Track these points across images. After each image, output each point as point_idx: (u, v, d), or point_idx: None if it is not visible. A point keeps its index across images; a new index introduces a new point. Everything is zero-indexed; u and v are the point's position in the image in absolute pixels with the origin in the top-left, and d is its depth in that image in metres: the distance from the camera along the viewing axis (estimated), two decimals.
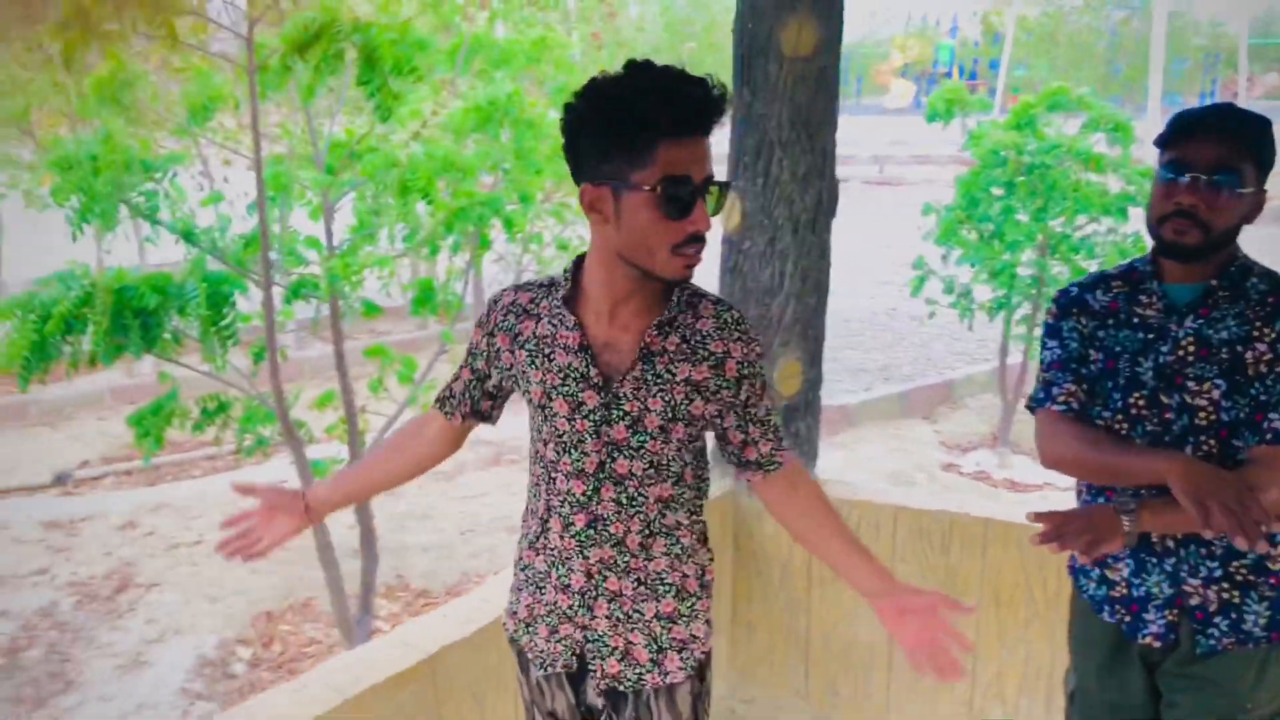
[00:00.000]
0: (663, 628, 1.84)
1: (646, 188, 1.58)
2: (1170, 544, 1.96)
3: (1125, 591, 2.03)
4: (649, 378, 1.73)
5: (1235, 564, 1.94)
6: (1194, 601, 1.95)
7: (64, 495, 6.72)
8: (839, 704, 3.32)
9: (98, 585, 5.36)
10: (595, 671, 1.85)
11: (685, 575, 1.86)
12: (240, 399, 4.26)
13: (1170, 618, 1.98)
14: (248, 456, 4.28)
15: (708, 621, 1.91)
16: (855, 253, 15.30)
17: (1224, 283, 1.93)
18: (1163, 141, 1.91)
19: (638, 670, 1.84)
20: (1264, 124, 1.90)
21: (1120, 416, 1.98)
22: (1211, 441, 1.90)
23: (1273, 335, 1.88)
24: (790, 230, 3.08)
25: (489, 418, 1.95)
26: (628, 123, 1.57)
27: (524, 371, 1.79)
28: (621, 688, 1.85)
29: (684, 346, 1.74)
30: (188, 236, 3.67)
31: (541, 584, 1.87)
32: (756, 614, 3.43)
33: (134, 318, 3.63)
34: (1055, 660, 3.04)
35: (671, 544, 1.82)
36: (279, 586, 5.31)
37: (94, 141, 3.43)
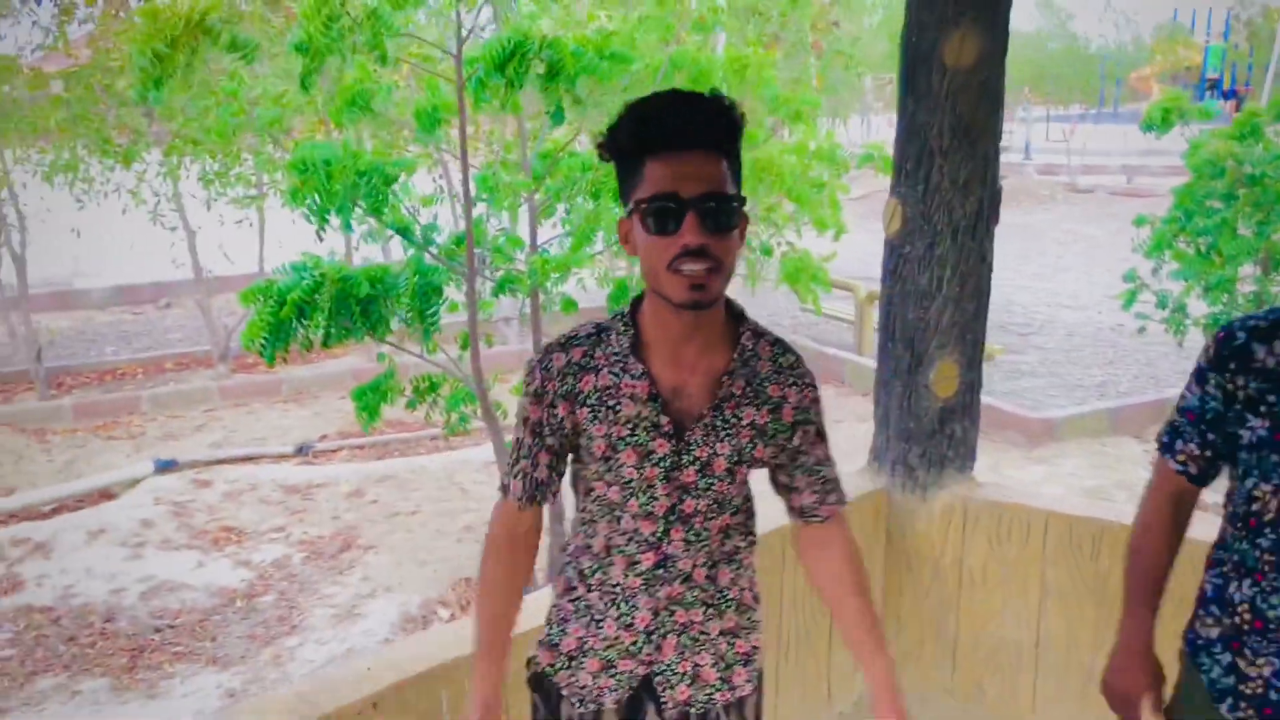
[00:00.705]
0: (728, 644, 1.85)
1: (638, 207, 1.60)
2: None
3: (1261, 691, 1.74)
4: (718, 423, 1.72)
5: None
6: None
7: (304, 464, 7.47)
8: (985, 702, 3.36)
9: (324, 544, 5.98)
10: (667, 703, 1.83)
11: (743, 589, 1.87)
12: (449, 381, 4.70)
13: None
14: (452, 433, 4.71)
15: (761, 633, 1.92)
16: (1087, 266, 14.78)
17: None
18: None
19: (708, 691, 1.84)
20: None
21: None
22: None
23: None
24: (950, 236, 3.17)
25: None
26: (621, 149, 1.62)
27: (584, 429, 1.73)
28: (693, 710, 1.84)
29: (748, 390, 1.73)
30: (404, 233, 4.10)
31: (600, 619, 1.83)
32: (906, 609, 3.52)
33: (355, 305, 4.09)
34: None
35: (734, 568, 1.84)
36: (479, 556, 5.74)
37: (329, 147, 3.89)
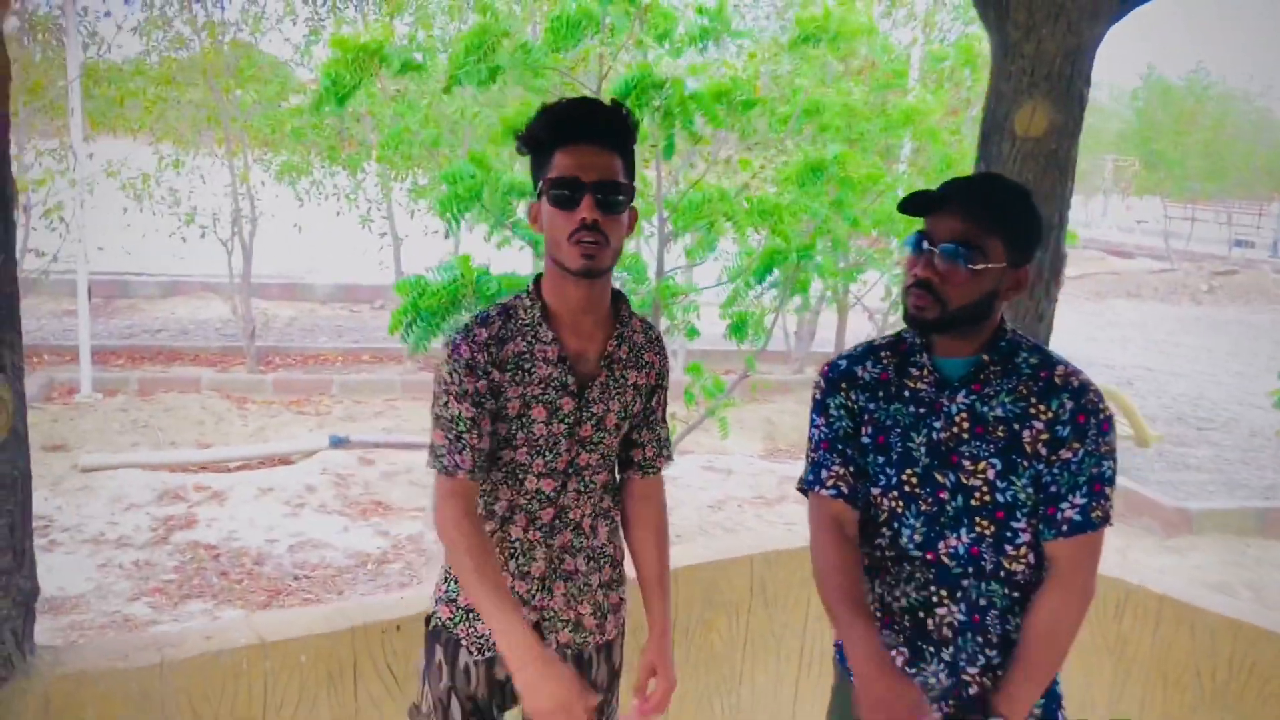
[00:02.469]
0: (604, 595, 2.14)
1: (546, 188, 1.89)
2: (949, 633, 1.89)
3: None
4: (610, 383, 2.03)
5: (1013, 652, 1.87)
6: (973, 691, 1.89)
7: None
8: None
9: None
10: (551, 644, 2.07)
11: (616, 546, 2.18)
12: None
13: (948, 710, 1.90)
14: None
15: (626, 586, 2.20)
16: None
17: (994, 357, 1.87)
18: (912, 209, 1.86)
19: (584, 635, 2.13)
20: (1018, 198, 1.84)
21: (895, 494, 1.91)
22: (986, 523, 1.85)
23: (1049, 415, 1.83)
24: None
25: None
26: (535, 141, 1.92)
27: (502, 392, 1.95)
28: (570, 652, 2.11)
29: (630, 355, 2.06)
30: (535, 244, 4.55)
31: None
32: None
33: (489, 304, 4.57)
34: None
35: (609, 522, 2.15)
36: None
37: (470, 165, 4.40)
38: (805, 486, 2.00)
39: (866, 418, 1.95)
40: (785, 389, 10.26)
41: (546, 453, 2.00)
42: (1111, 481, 1.87)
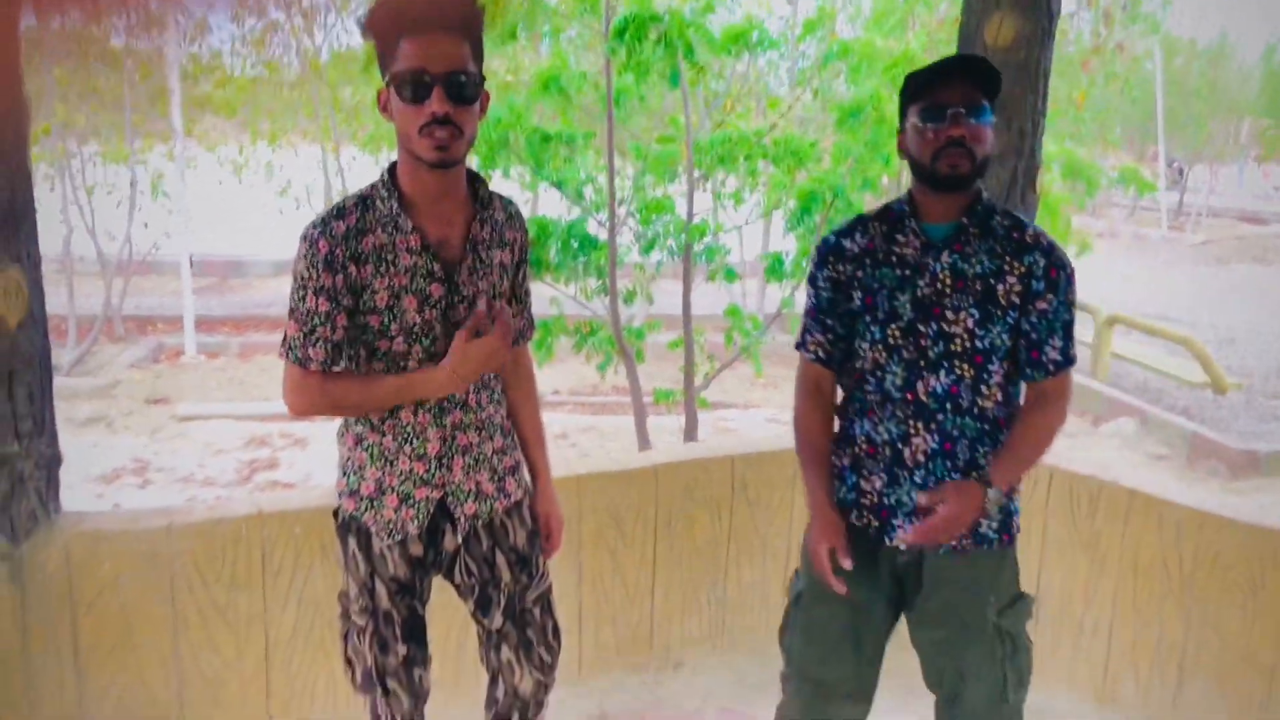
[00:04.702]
0: (498, 460, 2.20)
1: (394, 80, 1.88)
2: (922, 458, 2.14)
3: (876, 500, 2.20)
4: (476, 264, 2.05)
5: (975, 475, 2.14)
6: (939, 509, 2.10)
7: None
8: None
9: None
10: (459, 518, 2.15)
11: (503, 415, 2.25)
12: (603, 328, 5.35)
13: (916, 524, 2.12)
14: (600, 370, 5.35)
15: (519, 449, 2.31)
16: None
17: (974, 220, 2.11)
18: (911, 95, 2.09)
19: (489, 502, 2.19)
20: (990, 66, 2.10)
21: (880, 346, 2.15)
22: (966, 366, 2.10)
23: (1022, 269, 2.08)
24: None
25: None
26: (379, 29, 1.90)
27: (368, 284, 1.97)
28: (480, 522, 2.19)
29: (494, 235, 2.08)
30: (559, 187, 4.80)
31: (393, 458, 2.10)
32: None
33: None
34: (1187, 640, 3.13)
35: (491, 394, 2.20)
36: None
37: (506, 117, 4.66)
38: (798, 347, 2.30)
39: (855, 284, 2.19)
40: None
41: (423, 339, 2.03)
42: (1074, 325, 2.15)
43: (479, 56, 1.96)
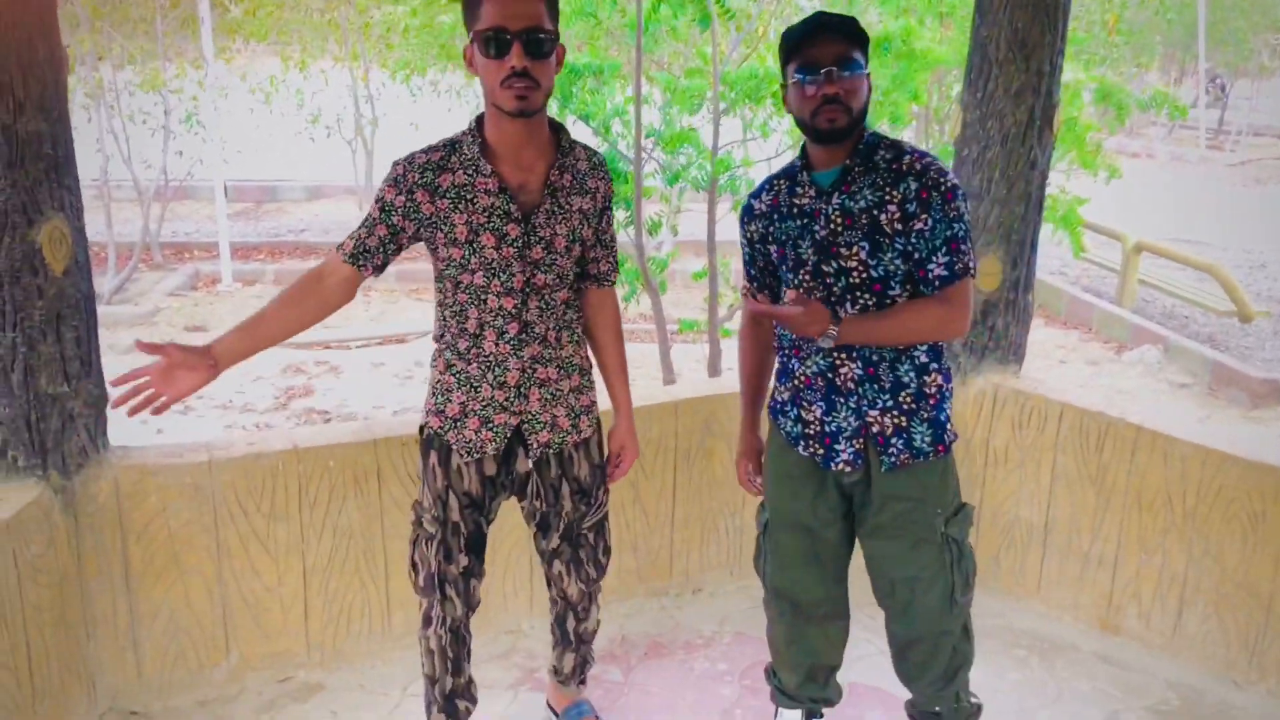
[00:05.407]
0: (575, 399, 2.41)
1: (477, 38, 2.07)
2: (852, 385, 2.31)
3: (819, 429, 2.37)
4: (554, 209, 2.23)
5: (902, 394, 2.31)
6: (875, 429, 2.31)
7: None
8: (999, 574, 3.67)
9: None
10: (532, 444, 2.36)
11: (583, 356, 2.45)
12: (628, 259, 5.42)
13: (858, 446, 2.34)
14: (625, 301, 5.43)
15: (595, 389, 2.51)
16: None
17: (857, 160, 2.23)
18: (787, 54, 2.19)
19: (562, 435, 2.40)
20: (853, 19, 2.20)
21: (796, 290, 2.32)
22: (868, 296, 2.24)
23: (899, 197, 2.20)
24: (1000, 142, 3.45)
25: (384, 269, 2.28)
26: None
27: (446, 216, 2.18)
28: (550, 450, 2.40)
29: (575, 183, 2.26)
30: (585, 119, 4.84)
31: (477, 385, 2.31)
32: None
33: None
34: (1188, 571, 3.23)
35: (571, 334, 2.40)
36: None
37: None
38: (743, 291, 2.56)
39: (769, 238, 2.37)
40: None
41: (501, 274, 2.22)
42: (965, 239, 2.23)
43: (555, 14, 2.14)
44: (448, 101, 10.66)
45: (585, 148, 2.34)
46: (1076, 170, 7.55)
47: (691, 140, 5.05)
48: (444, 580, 2.46)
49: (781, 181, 2.36)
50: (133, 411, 2.10)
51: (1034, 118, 3.44)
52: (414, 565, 2.51)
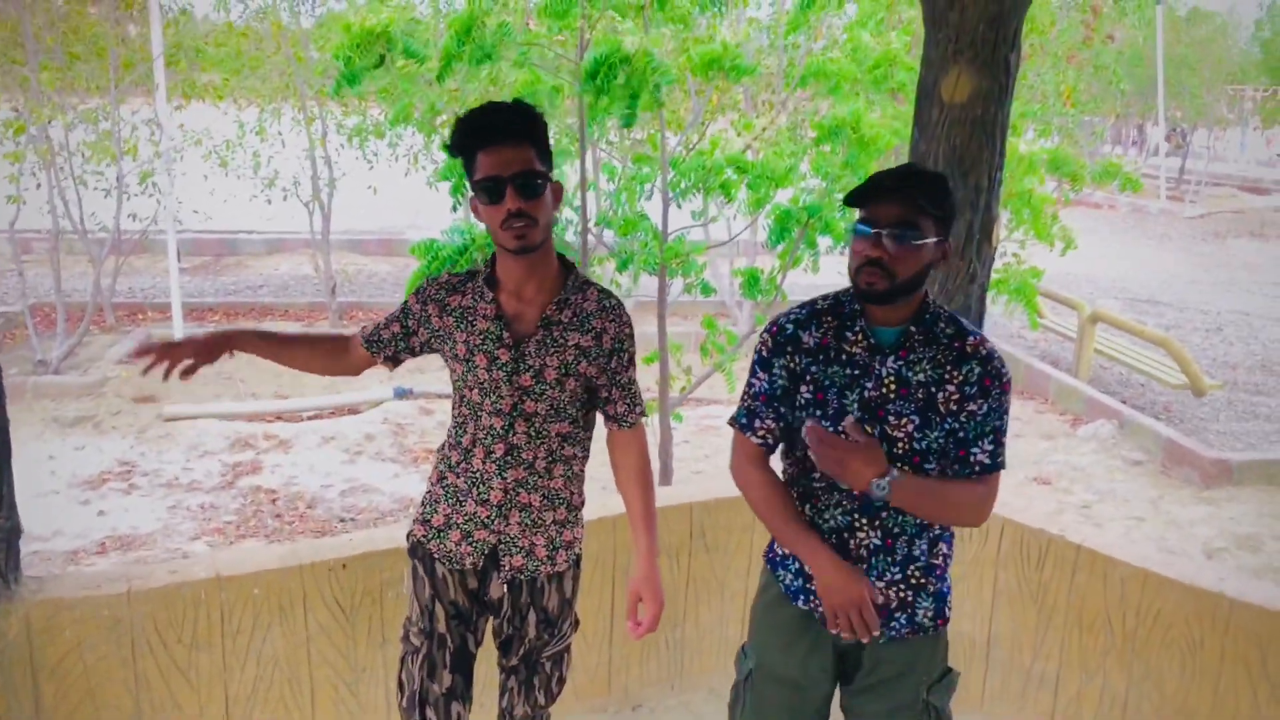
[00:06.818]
0: (557, 532, 2.45)
1: (476, 188, 2.23)
2: (865, 554, 2.23)
3: None
4: (548, 341, 2.32)
5: (911, 568, 2.26)
6: (879, 600, 2.22)
7: None
8: None
9: None
10: (505, 566, 2.42)
11: (574, 493, 2.48)
12: None
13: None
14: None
15: (582, 528, 2.55)
16: None
17: (919, 328, 2.19)
18: (856, 201, 2.14)
19: (536, 563, 2.45)
20: (940, 183, 2.15)
21: None
22: (904, 467, 2.16)
23: (960, 378, 2.17)
24: None
25: (395, 363, 2.51)
26: (460, 147, 2.25)
27: (450, 333, 2.37)
28: (522, 577, 2.44)
29: (575, 319, 2.35)
30: None
31: (462, 499, 2.41)
32: None
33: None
34: (1129, 694, 3.20)
35: (568, 469, 2.44)
36: None
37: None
38: (736, 424, 2.32)
39: (808, 378, 2.24)
40: None
41: (492, 394, 2.34)
42: (1005, 433, 2.22)
43: (545, 155, 2.27)
44: (403, 166, 10.63)
45: (601, 290, 2.42)
46: (1032, 240, 7.60)
47: (642, 227, 5.04)
48: (424, 701, 2.47)
49: (830, 320, 2.25)
50: (146, 370, 2.34)
51: (973, 232, 3.44)
52: (400, 684, 2.53)
